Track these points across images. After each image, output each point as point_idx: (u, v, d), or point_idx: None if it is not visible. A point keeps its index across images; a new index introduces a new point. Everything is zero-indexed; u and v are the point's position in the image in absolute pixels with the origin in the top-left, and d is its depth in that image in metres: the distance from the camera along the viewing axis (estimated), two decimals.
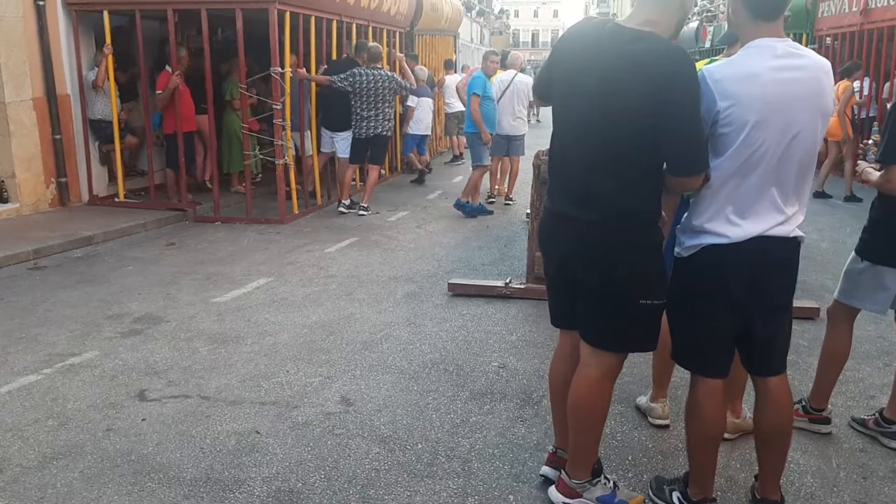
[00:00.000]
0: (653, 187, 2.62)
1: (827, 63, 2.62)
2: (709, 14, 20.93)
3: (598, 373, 2.78)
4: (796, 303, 5.12)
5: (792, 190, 2.61)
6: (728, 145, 2.54)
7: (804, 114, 2.53)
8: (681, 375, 4.09)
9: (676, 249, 2.76)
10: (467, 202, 9.28)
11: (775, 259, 2.64)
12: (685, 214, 2.77)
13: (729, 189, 2.58)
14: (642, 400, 3.88)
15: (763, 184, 2.56)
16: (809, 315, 5.20)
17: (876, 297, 3.44)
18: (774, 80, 2.49)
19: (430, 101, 11.92)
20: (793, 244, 2.66)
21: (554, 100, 2.79)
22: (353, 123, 9.16)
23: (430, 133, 12.13)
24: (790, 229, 2.62)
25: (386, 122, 9.22)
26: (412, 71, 11.64)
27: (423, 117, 11.71)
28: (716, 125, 2.54)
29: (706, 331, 2.71)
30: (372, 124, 9.08)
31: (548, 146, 2.91)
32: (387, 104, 9.13)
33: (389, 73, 9.25)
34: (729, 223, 2.59)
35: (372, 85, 8.96)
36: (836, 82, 11.42)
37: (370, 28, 11.15)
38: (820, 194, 10.16)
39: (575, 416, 2.84)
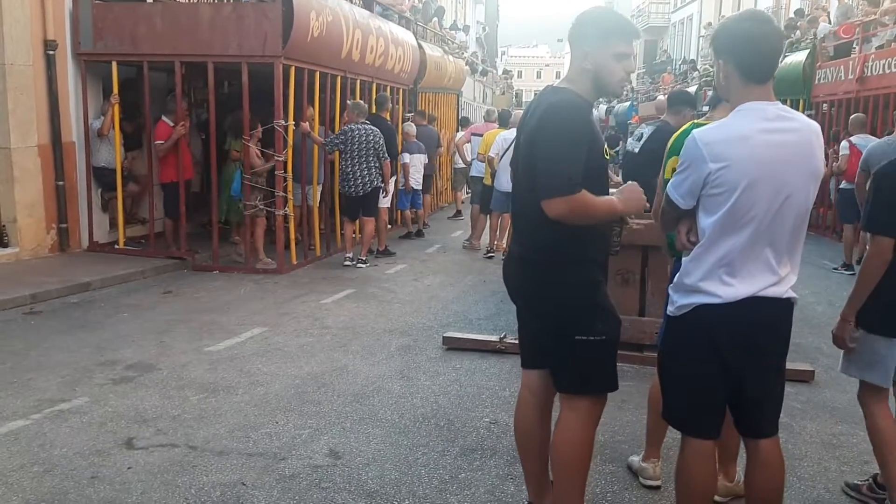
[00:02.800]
0: (561, 226, 2.73)
1: (817, 126, 2.66)
2: (709, 78, 21.27)
3: (575, 416, 2.88)
4: (791, 365, 5.13)
5: (785, 251, 2.61)
6: (720, 206, 2.55)
7: (795, 175, 2.55)
8: (675, 436, 4.05)
9: (668, 308, 2.76)
10: None
11: (768, 321, 2.62)
12: (678, 274, 2.78)
13: (721, 249, 2.58)
14: (634, 460, 3.84)
15: (756, 244, 2.56)
16: (804, 378, 5.17)
17: (874, 367, 3.33)
18: (765, 143, 2.51)
19: (421, 157, 11.93)
20: (786, 306, 2.65)
21: None
22: (343, 181, 9.26)
23: (421, 188, 12.17)
24: (783, 290, 2.62)
25: (377, 177, 9.24)
26: (402, 126, 11.89)
27: (413, 173, 11.76)
28: (707, 186, 2.55)
29: (696, 391, 2.69)
30: (361, 181, 9.11)
31: None
32: (374, 158, 9.16)
33: (377, 131, 9.23)
34: (722, 283, 2.58)
35: (363, 139, 9.03)
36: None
37: (374, 84, 11.35)
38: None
39: (558, 464, 2.88)
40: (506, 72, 43.24)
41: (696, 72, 28.46)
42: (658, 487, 3.64)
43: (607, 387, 2.93)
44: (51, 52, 8.46)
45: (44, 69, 8.46)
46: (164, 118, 8.95)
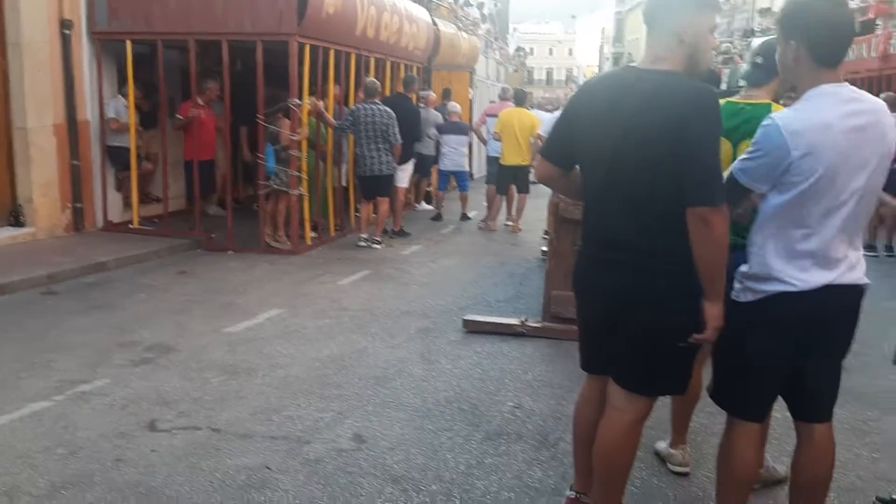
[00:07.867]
0: (685, 228, 2.51)
1: (882, 103, 2.59)
2: (726, 56, 21.00)
3: (631, 417, 2.73)
4: None
5: (856, 235, 2.59)
6: (794, 187, 2.48)
7: (872, 158, 2.50)
8: (700, 421, 4.02)
9: (739, 295, 2.64)
10: None
11: (842, 307, 2.60)
12: (751, 259, 2.67)
13: (798, 235, 2.52)
14: (661, 445, 3.79)
15: (831, 229, 2.51)
16: None
17: None
18: (846, 129, 2.45)
19: (457, 137, 11.57)
20: (859, 292, 2.61)
21: (581, 152, 2.76)
22: (357, 162, 9.21)
23: (463, 169, 11.81)
24: (858, 276, 2.58)
25: (389, 159, 9.14)
26: (445, 106, 11.74)
27: (447, 152, 11.49)
28: (787, 174, 2.47)
29: (759, 376, 2.65)
30: (370, 163, 9.03)
31: None
32: (383, 140, 9.02)
33: (386, 111, 9.08)
34: (799, 269, 2.53)
35: (370, 120, 8.94)
36: None
37: (388, 62, 11.25)
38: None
39: (604, 462, 2.77)
40: (519, 48, 42.76)
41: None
42: (687, 474, 3.59)
43: (682, 389, 2.79)
44: (66, 31, 8.39)
45: (60, 48, 8.39)
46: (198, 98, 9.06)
